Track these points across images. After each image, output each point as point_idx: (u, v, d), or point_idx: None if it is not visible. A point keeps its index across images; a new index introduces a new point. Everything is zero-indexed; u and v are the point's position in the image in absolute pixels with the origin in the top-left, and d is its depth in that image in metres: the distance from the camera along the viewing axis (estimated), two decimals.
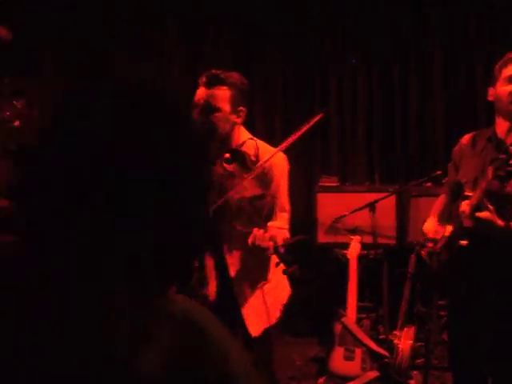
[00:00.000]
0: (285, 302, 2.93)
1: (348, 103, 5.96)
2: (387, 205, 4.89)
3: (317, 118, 2.58)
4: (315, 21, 5.92)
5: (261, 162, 2.63)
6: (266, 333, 2.81)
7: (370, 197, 4.80)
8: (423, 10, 5.72)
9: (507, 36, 5.38)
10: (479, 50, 5.54)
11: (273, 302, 2.85)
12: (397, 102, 5.82)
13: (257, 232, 2.46)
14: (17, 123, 3.59)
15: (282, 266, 2.94)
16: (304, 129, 2.56)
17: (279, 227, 2.69)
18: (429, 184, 4.88)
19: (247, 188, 2.64)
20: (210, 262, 2.90)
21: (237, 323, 2.80)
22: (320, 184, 5.32)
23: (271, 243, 2.44)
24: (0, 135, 3.59)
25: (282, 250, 2.47)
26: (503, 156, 2.30)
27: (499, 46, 4.89)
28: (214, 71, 2.69)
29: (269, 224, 2.66)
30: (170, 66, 6.07)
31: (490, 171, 2.34)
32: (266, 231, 2.45)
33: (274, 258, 2.90)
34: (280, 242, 2.53)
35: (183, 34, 6.09)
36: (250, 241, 2.47)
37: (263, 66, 6.00)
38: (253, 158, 2.69)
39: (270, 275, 2.86)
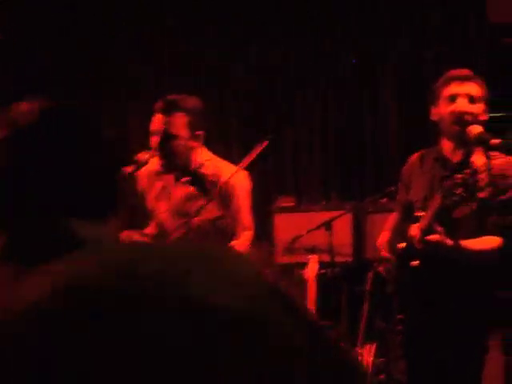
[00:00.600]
0: None
1: (302, 122, 5.98)
2: (344, 222, 4.91)
3: (262, 147, 2.58)
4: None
5: (220, 183, 2.63)
6: None
7: (327, 215, 4.81)
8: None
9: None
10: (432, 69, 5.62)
11: None
12: (350, 120, 5.86)
13: None
14: None
15: None
16: (252, 156, 2.56)
17: (240, 245, 2.68)
18: (384, 200, 4.91)
19: (208, 210, 2.62)
20: None
21: None
22: (276, 205, 5.31)
23: None
24: None
25: None
26: (449, 183, 2.32)
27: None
28: (170, 97, 2.67)
29: (231, 244, 2.63)
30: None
31: (437, 198, 2.36)
32: None
33: None
34: None
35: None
36: None
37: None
38: (212, 179, 2.68)
39: None
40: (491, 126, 2.60)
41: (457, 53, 5.61)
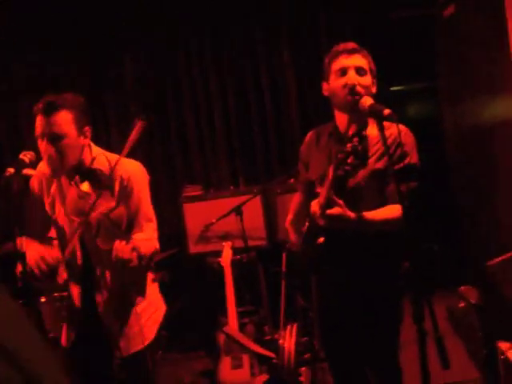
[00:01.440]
0: (160, 320, 2.86)
1: (203, 108, 5.91)
2: (254, 206, 4.88)
3: (139, 130, 2.50)
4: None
5: (113, 174, 2.56)
6: (141, 353, 2.73)
7: (236, 201, 4.77)
8: (269, 10, 5.76)
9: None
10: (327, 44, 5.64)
11: (147, 322, 2.77)
12: (252, 102, 5.83)
13: (118, 245, 2.35)
14: None
15: (154, 281, 2.86)
16: (132, 141, 2.48)
17: (147, 239, 2.61)
18: (291, 180, 4.92)
19: (101, 203, 2.54)
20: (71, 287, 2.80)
21: (104, 345, 2.73)
22: (184, 194, 5.23)
23: (134, 253, 2.33)
24: None
25: (145, 260, 2.38)
26: (341, 155, 2.30)
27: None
28: (48, 97, 2.55)
29: (135, 236, 2.58)
30: None
31: (330, 171, 2.34)
32: (127, 243, 2.34)
33: (150, 276, 2.82)
34: (146, 251, 2.44)
35: None
36: (112, 255, 2.35)
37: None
38: (106, 173, 2.60)
39: (147, 294, 2.79)
40: (391, 100, 2.61)
41: None
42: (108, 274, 2.69)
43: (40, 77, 5.75)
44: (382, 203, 2.54)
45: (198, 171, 5.88)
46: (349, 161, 2.29)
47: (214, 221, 4.79)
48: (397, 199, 2.43)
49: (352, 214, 2.41)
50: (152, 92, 5.88)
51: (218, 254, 4.67)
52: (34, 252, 2.55)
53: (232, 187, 5.37)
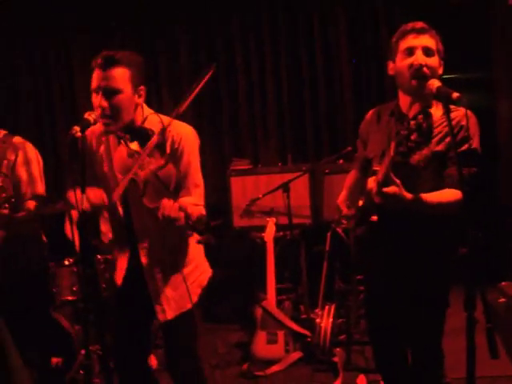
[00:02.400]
0: (205, 284, 2.84)
1: (256, 84, 5.89)
2: (301, 185, 4.88)
3: (208, 75, 2.48)
4: None
5: (165, 135, 2.54)
6: (186, 316, 2.73)
7: (284, 177, 4.78)
8: None
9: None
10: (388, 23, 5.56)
11: (192, 285, 2.75)
12: (305, 82, 5.80)
13: (166, 202, 2.35)
14: None
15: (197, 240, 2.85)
16: (198, 87, 2.46)
17: (195, 203, 2.56)
18: (341, 161, 4.90)
19: (151, 161, 2.52)
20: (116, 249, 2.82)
21: (145, 308, 2.73)
22: (232, 167, 5.24)
23: (182, 213, 2.32)
24: None
25: (192, 221, 2.34)
26: (404, 132, 2.27)
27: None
28: (108, 52, 2.54)
29: (183, 199, 2.54)
30: None
31: (392, 147, 2.30)
32: (175, 202, 2.35)
33: (193, 240, 2.79)
34: (192, 212, 2.36)
35: None
36: (159, 212, 2.35)
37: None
38: (157, 134, 2.58)
39: (190, 258, 2.78)
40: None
41: None
42: (151, 235, 2.69)
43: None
44: (439, 186, 2.50)
45: (247, 146, 5.89)
46: (412, 137, 2.26)
47: (260, 196, 4.81)
48: (455, 183, 2.39)
49: (408, 195, 2.38)
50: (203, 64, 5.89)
51: (262, 228, 4.69)
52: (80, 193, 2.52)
53: (280, 164, 5.36)
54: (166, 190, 2.55)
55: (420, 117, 2.27)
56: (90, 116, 2.50)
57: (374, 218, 2.51)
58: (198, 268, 2.83)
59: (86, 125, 2.47)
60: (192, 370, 2.80)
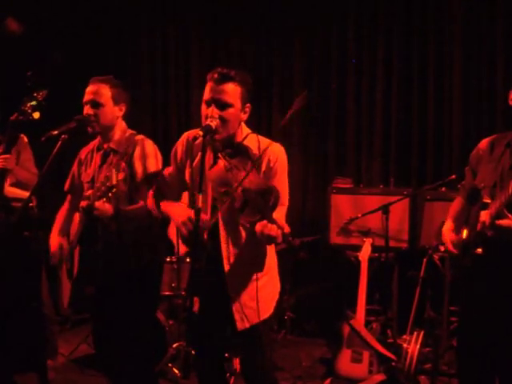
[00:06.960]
0: (277, 296, 2.91)
1: (365, 104, 5.94)
2: (401, 208, 4.90)
3: (302, 97, 2.55)
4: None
5: (263, 154, 2.65)
6: (256, 328, 2.79)
7: (384, 200, 4.80)
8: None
9: None
10: (500, 52, 5.48)
11: (266, 297, 2.83)
12: (414, 104, 5.78)
13: (265, 222, 2.43)
14: (36, 115, 3.62)
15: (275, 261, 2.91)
16: (295, 108, 2.54)
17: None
18: (443, 188, 4.87)
19: (252, 181, 2.62)
20: None
21: (223, 314, 2.80)
22: (334, 185, 5.32)
23: (279, 231, 2.41)
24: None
25: (289, 238, 2.42)
26: None
27: None
28: (223, 68, 2.69)
29: (277, 217, 2.62)
30: None
31: (510, 186, 2.31)
32: (271, 219, 2.43)
33: (270, 251, 2.87)
34: (286, 230, 2.46)
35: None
36: (257, 229, 2.44)
37: None
38: (255, 152, 2.70)
39: (266, 269, 2.85)
40: None
41: None
42: (236, 247, 2.77)
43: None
44: None
45: (351, 166, 5.94)
46: None
47: (359, 215, 4.85)
48: None
49: None
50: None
51: (357, 248, 4.73)
52: (183, 212, 2.63)
53: (382, 186, 5.38)
54: (265, 208, 2.61)
55: None
56: (212, 123, 2.63)
57: (479, 250, 2.51)
58: (272, 280, 2.90)
59: (209, 131, 2.60)
60: (264, 380, 2.87)
